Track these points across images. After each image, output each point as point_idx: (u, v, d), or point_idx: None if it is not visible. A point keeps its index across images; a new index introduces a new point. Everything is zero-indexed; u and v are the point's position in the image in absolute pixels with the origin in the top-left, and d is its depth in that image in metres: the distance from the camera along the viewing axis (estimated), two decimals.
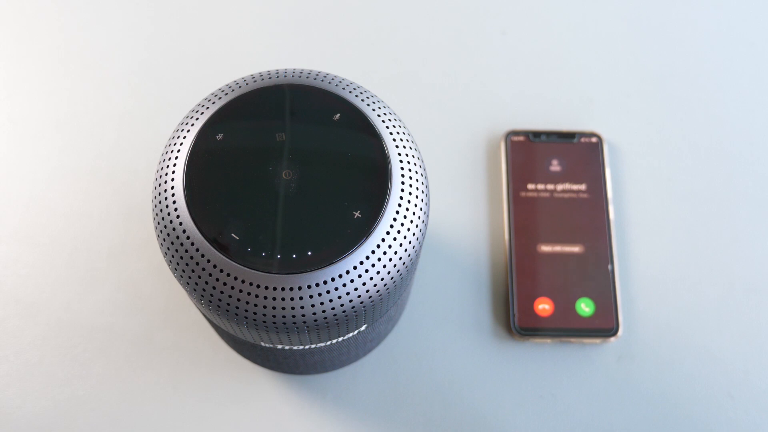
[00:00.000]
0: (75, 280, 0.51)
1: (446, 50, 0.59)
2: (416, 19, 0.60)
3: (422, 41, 0.59)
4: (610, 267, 0.51)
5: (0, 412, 0.48)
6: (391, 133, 0.37)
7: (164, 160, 0.37)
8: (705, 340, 0.51)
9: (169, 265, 0.36)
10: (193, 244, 0.34)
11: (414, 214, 0.36)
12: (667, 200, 0.54)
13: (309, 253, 0.34)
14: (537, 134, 0.55)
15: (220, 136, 0.36)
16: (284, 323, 0.35)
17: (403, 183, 0.36)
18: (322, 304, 0.34)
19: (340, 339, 0.40)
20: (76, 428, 0.48)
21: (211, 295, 0.35)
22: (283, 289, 0.34)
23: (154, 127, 0.56)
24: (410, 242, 0.36)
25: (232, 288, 0.34)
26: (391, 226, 0.35)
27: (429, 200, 0.38)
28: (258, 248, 0.34)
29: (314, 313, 0.34)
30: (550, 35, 0.60)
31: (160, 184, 0.36)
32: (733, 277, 0.52)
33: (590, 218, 0.53)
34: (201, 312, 0.43)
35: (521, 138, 0.55)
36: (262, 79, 0.38)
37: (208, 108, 0.38)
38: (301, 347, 0.40)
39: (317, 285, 0.34)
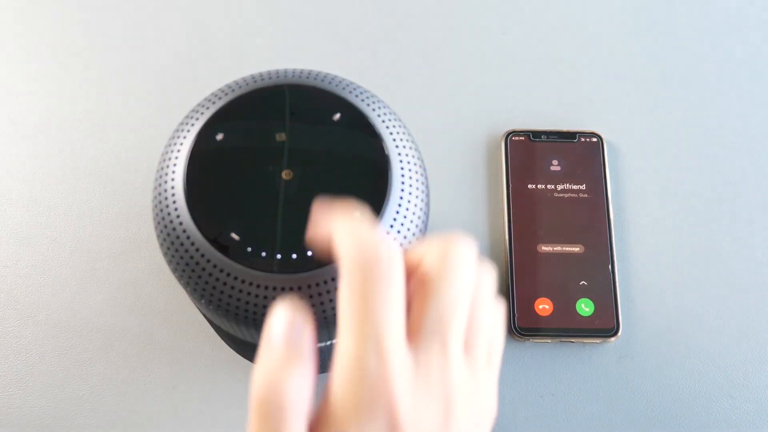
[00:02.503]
0: (75, 280, 0.51)
1: (446, 50, 0.59)
2: (416, 19, 0.60)
3: (422, 41, 0.59)
4: (610, 267, 0.51)
5: (0, 412, 0.48)
6: (391, 133, 0.37)
7: (164, 160, 0.37)
8: (705, 340, 0.51)
9: (169, 265, 0.36)
10: (193, 244, 0.34)
11: (414, 214, 0.36)
12: (667, 200, 0.54)
13: (309, 253, 0.34)
14: (537, 134, 0.55)
15: (220, 136, 0.36)
16: None
17: (403, 183, 0.36)
18: (322, 304, 0.34)
19: None
20: (76, 428, 0.48)
21: (211, 295, 0.35)
22: (283, 289, 0.34)
23: (154, 127, 0.56)
24: (410, 242, 0.36)
25: (232, 288, 0.34)
26: (391, 226, 0.35)
27: (429, 200, 0.38)
28: (258, 248, 0.34)
29: (314, 313, 0.34)
30: (550, 35, 0.60)
31: (160, 184, 0.36)
32: (733, 277, 0.52)
33: (590, 218, 0.53)
34: (201, 312, 0.43)
35: (521, 138, 0.55)
36: (262, 79, 0.38)
37: (208, 108, 0.38)
38: None
39: (317, 285, 0.34)
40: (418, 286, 0.30)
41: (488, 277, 0.33)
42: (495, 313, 0.33)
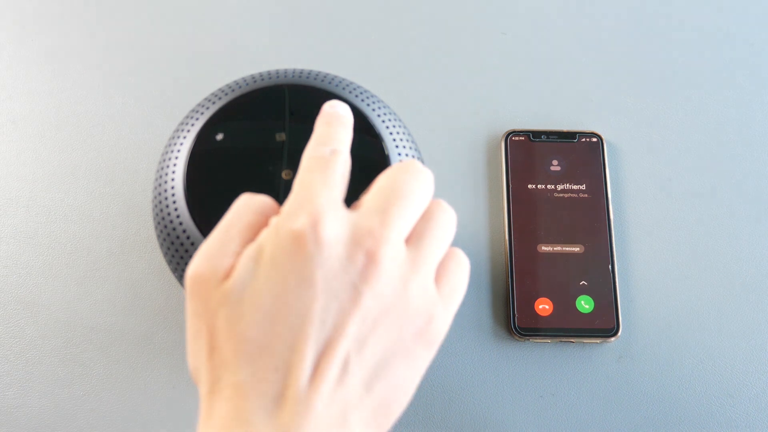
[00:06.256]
0: (75, 280, 0.51)
1: (446, 50, 0.59)
2: (416, 19, 0.60)
3: (422, 41, 0.59)
4: (610, 267, 0.51)
5: (0, 411, 0.48)
6: (391, 133, 0.37)
7: (164, 160, 0.37)
8: (705, 340, 0.51)
9: (169, 265, 0.36)
10: (193, 244, 0.34)
11: None
12: (667, 200, 0.54)
13: None
14: (537, 134, 0.55)
15: (220, 136, 0.36)
16: None
17: None
18: None
19: None
20: (76, 428, 0.48)
21: None
22: None
23: (154, 127, 0.56)
24: None
25: None
26: None
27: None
28: None
29: None
30: (550, 35, 0.60)
31: (160, 184, 0.36)
32: (733, 277, 0.52)
33: (590, 218, 0.53)
34: None
35: (521, 138, 0.55)
36: (262, 79, 0.38)
37: (208, 108, 0.38)
38: None
39: None
40: None
41: (450, 213, 0.33)
42: (449, 228, 0.33)
